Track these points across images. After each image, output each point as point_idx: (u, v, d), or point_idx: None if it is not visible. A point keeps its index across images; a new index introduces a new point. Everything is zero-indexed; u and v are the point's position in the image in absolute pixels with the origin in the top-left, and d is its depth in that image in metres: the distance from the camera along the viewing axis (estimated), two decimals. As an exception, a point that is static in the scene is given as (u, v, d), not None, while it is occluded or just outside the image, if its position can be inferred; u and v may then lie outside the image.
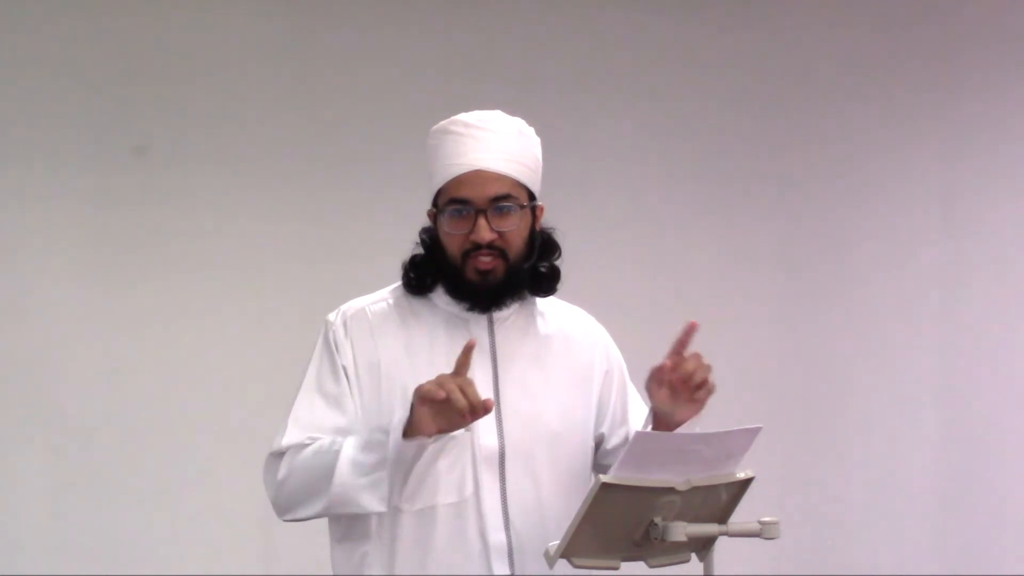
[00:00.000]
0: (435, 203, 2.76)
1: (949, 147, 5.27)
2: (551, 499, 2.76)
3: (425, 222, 2.82)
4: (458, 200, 2.71)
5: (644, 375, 2.72)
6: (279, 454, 2.73)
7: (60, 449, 4.49)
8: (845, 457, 5.21)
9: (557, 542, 2.56)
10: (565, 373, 2.83)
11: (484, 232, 2.70)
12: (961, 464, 5.20)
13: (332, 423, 2.73)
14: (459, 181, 2.71)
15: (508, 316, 2.80)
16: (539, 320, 2.84)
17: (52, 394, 4.49)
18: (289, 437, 2.73)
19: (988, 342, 5.21)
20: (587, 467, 2.86)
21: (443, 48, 4.90)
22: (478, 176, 2.71)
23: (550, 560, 2.58)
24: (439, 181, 2.74)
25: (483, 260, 2.71)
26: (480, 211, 2.70)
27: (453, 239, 2.72)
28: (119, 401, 4.54)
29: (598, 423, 2.88)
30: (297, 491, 2.69)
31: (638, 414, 2.93)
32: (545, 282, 2.81)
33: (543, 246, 2.81)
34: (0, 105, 4.50)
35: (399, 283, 2.84)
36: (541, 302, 2.85)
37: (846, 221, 5.25)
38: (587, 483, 2.83)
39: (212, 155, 4.66)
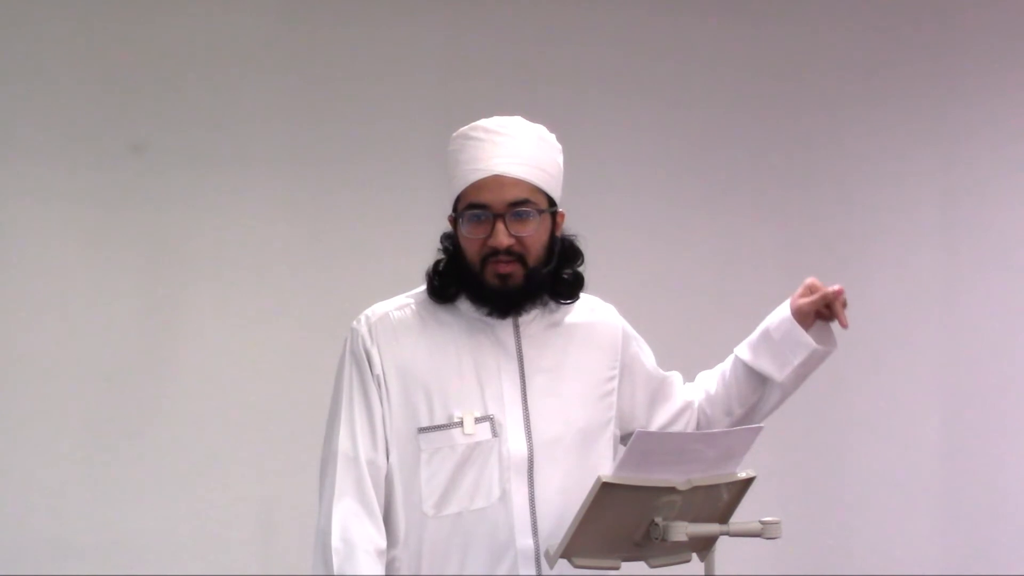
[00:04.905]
0: (455, 208, 2.77)
1: (949, 147, 5.26)
2: (580, 500, 2.76)
3: (442, 226, 2.82)
4: (476, 205, 2.71)
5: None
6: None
7: (59, 449, 4.48)
8: (846, 457, 5.20)
9: (557, 542, 2.56)
10: (589, 369, 2.84)
11: (502, 237, 2.69)
12: (962, 464, 5.19)
13: (370, 458, 2.72)
14: (478, 186, 2.72)
15: (532, 318, 2.80)
16: (562, 319, 2.85)
17: (50, 393, 4.48)
18: (341, 483, 2.70)
19: (989, 342, 5.20)
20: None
21: (444, 48, 4.90)
22: (496, 181, 2.71)
23: (550, 560, 2.58)
24: (458, 186, 2.74)
25: (502, 265, 2.71)
26: (498, 216, 2.70)
27: (472, 244, 2.72)
28: (118, 400, 4.53)
29: (626, 421, 2.89)
30: None
31: (683, 388, 2.98)
32: (567, 289, 2.81)
33: (566, 252, 2.81)
34: (-1, 103, 4.51)
35: (422, 287, 2.83)
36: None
37: (847, 221, 5.24)
38: None
39: (211, 154, 4.65)
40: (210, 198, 4.66)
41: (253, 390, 4.62)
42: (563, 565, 2.61)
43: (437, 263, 2.81)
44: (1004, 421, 5.17)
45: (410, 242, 4.63)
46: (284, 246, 4.71)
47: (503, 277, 2.72)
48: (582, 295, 2.88)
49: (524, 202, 2.72)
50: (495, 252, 2.71)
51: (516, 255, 2.72)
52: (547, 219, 2.75)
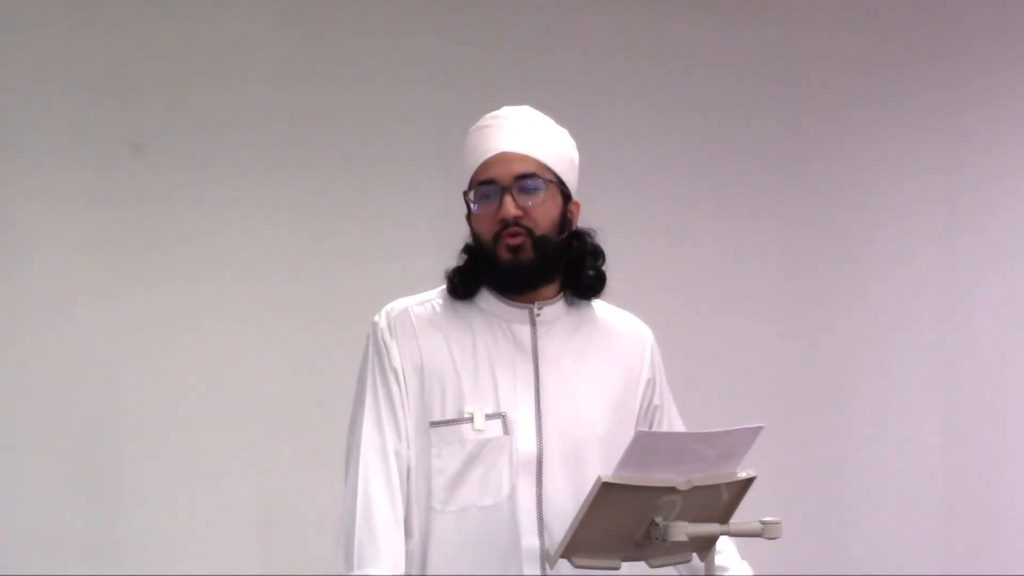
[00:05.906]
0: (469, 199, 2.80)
1: (950, 148, 5.26)
2: None
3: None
4: (484, 182, 2.75)
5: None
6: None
7: (59, 449, 4.48)
8: (847, 457, 5.20)
9: (557, 542, 2.56)
10: (610, 375, 2.84)
11: (509, 207, 2.72)
12: (963, 464, 5.19)
13: (395, 447, 2.73)
14: (485, 164, 2.76)
15: (553, 318, 2.81)
16: (585, 322, 2.85)
17: (50, 394, 4.48)
18: (365, 472, 2.71)
19: (990, 343, 5.20)
20: None
21: (444, 50, 4.90)
22: (503, 157, 2.76)
23: (550, 560, 2.58)
24: (469, 171, 2.79)
25: (510, 237, 2.73)
26: (505, 189, 2.73)
27: (483, 221, 2.75)
28: (118, 400, 4.54)
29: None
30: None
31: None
32: (589, 284, 2.82)
33: (587, 250, 2.82)
34: (-1, 103, 4.51)
35: (444, 286, 2.84)
36: (588, 305, 2.86)
37: (848, 222, 5.24)
38: None
39: (211, 155, 4.65)
40: (210, 198, 4.66)
41: (253, 390, 4.62)
42: (564, 565, 2.61)
43: (459, 264, 2.82)
44: (1004, 421, 5.17)
45: (410, 242, 4.64)
46: (284, 246, 4.71)
47: (514, 250, 2.73)
48: (619, 309, 2.90)
49: (530, 175, 2.75)
50: (505, 225, 2.72)
51: (524, 228, 2.73)
52: (556, 194, 2.78)
